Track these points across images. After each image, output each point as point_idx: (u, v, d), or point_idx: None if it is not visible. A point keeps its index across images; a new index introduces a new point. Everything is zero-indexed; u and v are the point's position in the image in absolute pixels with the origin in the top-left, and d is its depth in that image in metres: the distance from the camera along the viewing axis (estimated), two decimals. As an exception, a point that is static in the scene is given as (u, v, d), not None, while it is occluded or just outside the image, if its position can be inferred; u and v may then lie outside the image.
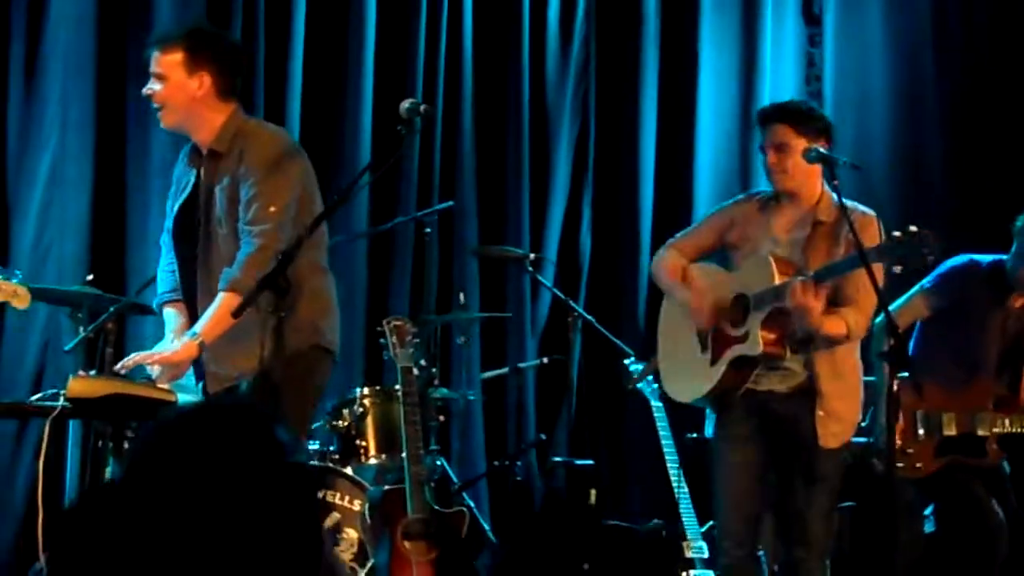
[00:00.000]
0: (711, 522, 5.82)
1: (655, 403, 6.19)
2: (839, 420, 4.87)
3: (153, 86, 4.60)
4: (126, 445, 4.68)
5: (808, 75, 8.19)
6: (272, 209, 4.45)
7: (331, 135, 7.12)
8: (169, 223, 4.75)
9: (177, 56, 4.57)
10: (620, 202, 7.88)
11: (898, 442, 5.39)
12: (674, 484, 6.02)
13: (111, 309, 5.44)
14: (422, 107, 4.35)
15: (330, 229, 4.93)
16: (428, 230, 6.68)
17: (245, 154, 4.54)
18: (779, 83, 8.09)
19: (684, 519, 5.90)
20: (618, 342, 6.57)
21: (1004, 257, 5.68)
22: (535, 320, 7.59)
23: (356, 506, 5.57)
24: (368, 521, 5.44)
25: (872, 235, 4.74)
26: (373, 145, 7.13)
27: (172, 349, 4.52)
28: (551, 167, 7.72)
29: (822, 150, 4.89)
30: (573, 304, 6.61)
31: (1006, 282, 5.66)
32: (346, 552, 5.58)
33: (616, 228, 7.88)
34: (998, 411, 5.59)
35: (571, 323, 6.53)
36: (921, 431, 5.59)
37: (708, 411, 5.19)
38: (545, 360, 7.08)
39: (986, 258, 5.72)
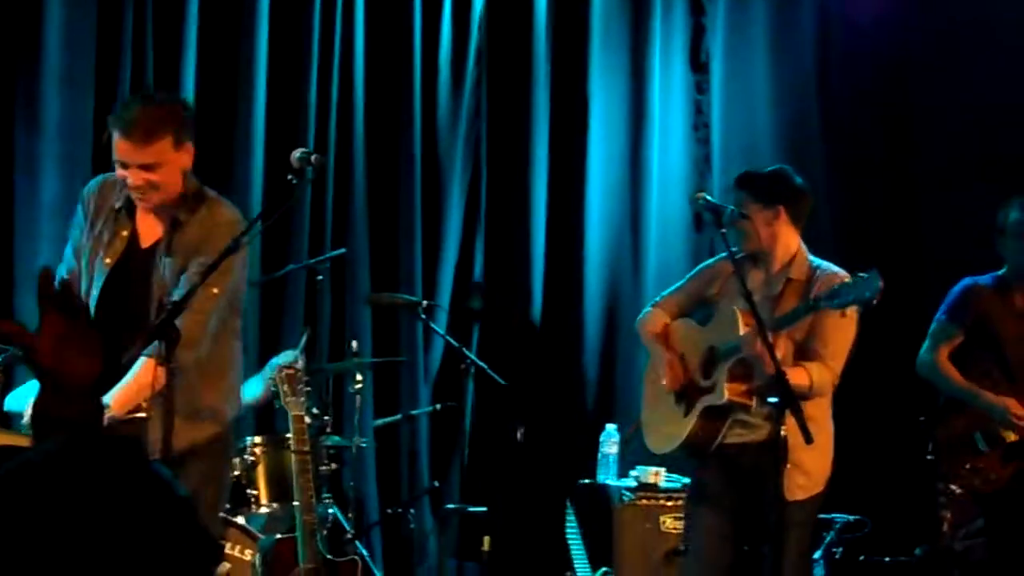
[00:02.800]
0: (603, 568, 5.87)
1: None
2: (805, 473, 4.99)
3: (142, 174, 4.46)
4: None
5: (696, 122, 8.29)
6: (215, 291, 4.42)
7: (222, 183, 6.99)
8: (99, 278, 4.58)
9: (166, 143, 4.46)
10: (512, 248, 7.92)
11: (965, 467, 5.59)
12: (567, 531, 6.03)
13: (-1, 358, 5.37)
14: (313, 156, 4.36)
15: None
16: (320, 277, 6.67)
17: (208, 241, 4.47)
18: (668, 129, 8.19)
19: (577, 566, 5.92)
20: (509, 387, 6.59)
21: (999, 272, 5.91)
22: (428, 367, 7.59)
23: (247, 556, 5.52)
24: (259, 571, 5.39)
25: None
26: (264, 193, 7.10)
27: None
28: (443, 214, 7.74)
29: (708, 198, 5.06)
30: (466, 351, 6.62)
31: (1007, 285, 5.88)
32: (237, 603, 5.53)
33: (508, 274, 7.91)
34: None
35: (464, 370, 6.54)
36: (984, 447, 5.73)
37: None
38: (438, 407, 7.07)
39: (982, 277, 5.95)
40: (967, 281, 5.96)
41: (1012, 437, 5.73)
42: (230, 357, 4.69)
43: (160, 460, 4.07)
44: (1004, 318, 5.86)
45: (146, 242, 4.60)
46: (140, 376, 4.37)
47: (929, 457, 5.82)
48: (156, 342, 4.26)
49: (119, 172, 4.52)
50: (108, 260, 4.59)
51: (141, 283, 4.54)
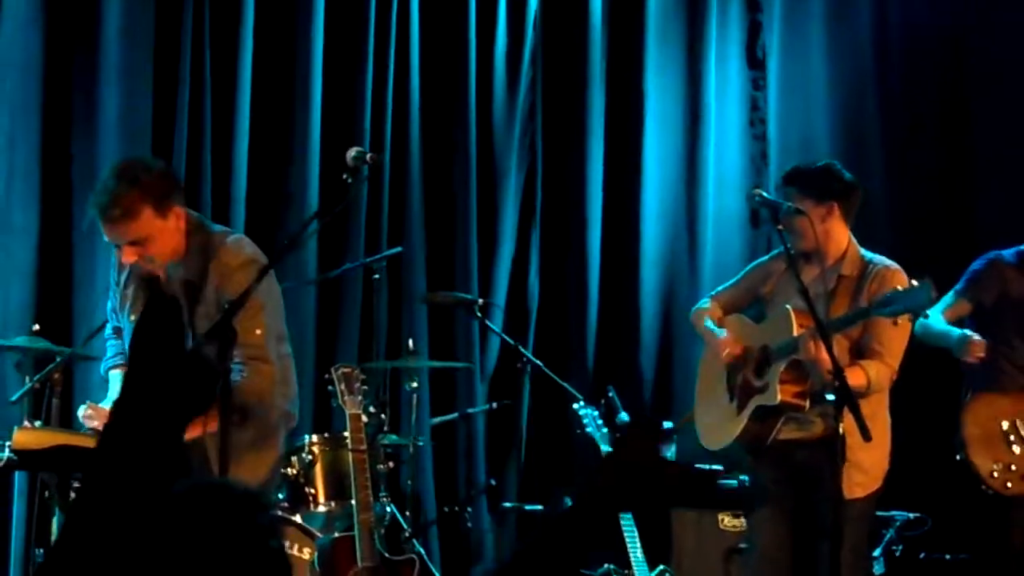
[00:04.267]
0: (661, 566, 5.86)
1: (604, 447, 6.20)
2: (863, 471, 4.97)
3: (135, 249, 4.46)
4: (72, 496, 4.63)
5: (752, 118, 8.26)
6: (258, 332, 4.44)
7: (279, 183, 7.11)
8: (128, 333, 4.63)
9: (147, 213, 4.42)
10: (568, 247, 7.91)
11: (995, 467, 5.50)
12: (624, 529, 6.02)
13: (57, 359, 5.42)
14: (368, 155, 4.36)
15: (279, 276, 4.92)
16: (377, 276, 6.68)
17: (223, 287, 4.48)
18: (723, 126, 8.17)
19: (635, 564, 5.90)
20: (567, 386, 6.58)
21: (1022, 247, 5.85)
22: (484, 366, 7.59)
23: (306, 554, 5.53)
24: (318, 570, 5.41)
25: (897, 286, 4.83)
26: (321, 193, 7.12)
27: None
28: (499, 213, 7.74)
29: (765, 194, 5.05)
30: (522, 349, 6.62)
31: None
32: (296, 601, 5.55)
33: (564, 273, 7.91)
34: None
35: (520, 368, 6.54)
36: (1015, 446, 5.64)
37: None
38: (494, 405, 7.08)
39: (1008, 249, 5.88)
40: (992, 255, 5.89)
41: None
42: (280, 378, 4.69)
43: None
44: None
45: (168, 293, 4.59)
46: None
47: (958, 457, 5.71)
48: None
49: (116, 251, 4.55)
50: (134, 316, 4.64)
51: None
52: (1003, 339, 5.74)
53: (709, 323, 5.34)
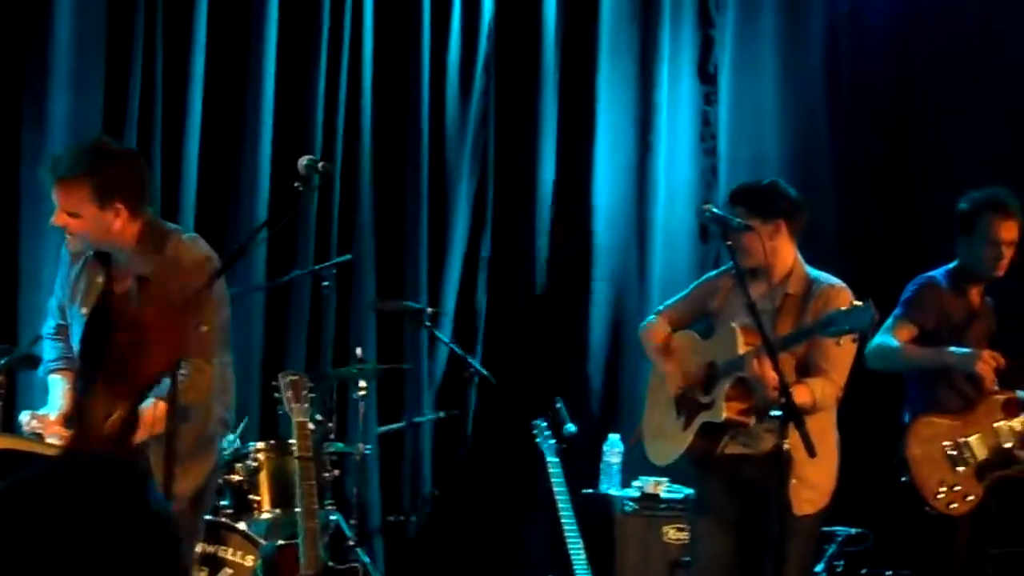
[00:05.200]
0: (605, 578, 5.88)
1: (551, 459, 6.21)
2: (812, 487, 5.00)
3: (65, 218, 4.42)
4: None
5: (703, 133, 8.30)
6: (204, 328, 4.39)
7: (228, 189, 7.08)
8: (78, 326, 4.59)
9: (84, 192, 4.37)
10: (518, 257, 7.92)
11: (941, 488, 5.53)
12: (569, 540, 6.04)
13: (1, 361, 5.38)
14: (320, 164, 4.36)
15: (227, 281, 4.90)
16: (326, 283, 6.67)
17: (182, 284, 4.40)
18: (675, 140, 8.20)
19: (578, 574, 5.91)
20: (515, 397, 6.59)
21: (950, 266, 5.86)
22: (432, 374, 7.59)
23: (248, 562, 5.52)
24: (261, 577, 5.39)
25: (841, 305, 4.83)
26: (271, 198, 7.10)
27: None
28: (449, 221, 7.73)
29: (715, 210, 5.07)
30: (470, 359, 6.62)
31: (963, 280, 5.82)
32: (238, 608, 5.53)
33: (514, 283, 7.91)
34: (1008, 416, 5.70)
35: (468, 378, 6.55)
36: (959, 467, 5.66)
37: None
38: (442, 414, 7.08)
39: (936, 271, 5.89)
40: (924, 279, 5.89)
41: (985, 453, 5.69)
42: (219, 379, 4.68)
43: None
44: (962, 316, 5.81)
45: (119, 289, 4.57)
46: (148, 412, 4.37)
47: (903, 480, 5.75)
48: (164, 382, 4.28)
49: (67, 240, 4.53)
50: (84, 310, 4.59)
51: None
52: (932, 376, 5.79)
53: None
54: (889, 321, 5.81)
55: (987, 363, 5.63)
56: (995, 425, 5.67)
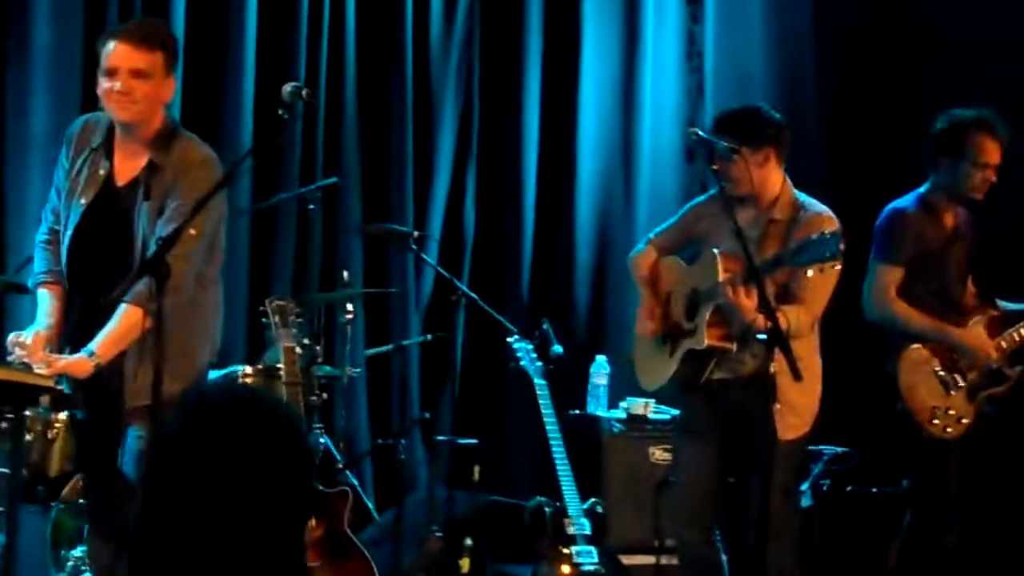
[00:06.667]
0: (593, 499, 5.92)
1: (538, 380, 6.22)
2: (795, 412, 5.02)
3: (131, 80, 4.47)
4: (2, 427, 4.60)
5: (689, 52, 8.26)
6: (193, 232, 4.38)
7: (213, 116, 7.00)
8: (75, 217, 4.58)
9: (159, 57, 4.51)
10: (504, 180, 7.90)
11: (933, 410, 5.56)
12: (556, 461, 6.07)
13: (-12, 288, 5.38)
14: (304, 91, 4.37)
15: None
16: (312, 207, 6.62)
17: (181, 180, 4.49)
18: (660, 58, 8.16)
19: (566, 496, 5.96)
20: (502, 319, 6.60)
21: (920, 190, 5.77)
22: (419, 298, 7.59)
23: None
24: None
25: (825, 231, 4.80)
26: (255, 126, 7.05)
27: (67, 360, 4.43)
28: (435, 144, 7.70)
29: (701, 133, 5.06)
30: (457, 282, 6.62)
31: (938, 203, 5.74)
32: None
33: (500, 205, 7.90)
34: (992, 333, 5.71)
35: (455, 301, 6.54)
36: (951, 391, 5.68)
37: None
38: (429, 337, 7.09)
39: (904, 200, 5.78)
40: (893, 210, 5.78)
41: (974, 375, 5.71)
42: (209, 301, 4.68)
43: (151, 407, 4.09)
44: (939, 242, 5.74)
45: (122, 180, 4.59)
46: (124, 321, 4.38)
47: (899, 407, 5.75)
48: (137, 287, 4.28)
49: (104, 84, 4.52)
50: (83, 200, 4.59)
51: (118, 222, 4.53)
52: (926, 288, 5.75)
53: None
54: (873, 266, 5.74)
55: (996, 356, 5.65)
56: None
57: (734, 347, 5.02)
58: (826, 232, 4.60)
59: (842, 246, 4.52)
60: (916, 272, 5.71)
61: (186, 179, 4.48)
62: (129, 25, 4.66)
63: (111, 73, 4.49)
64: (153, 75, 4.50)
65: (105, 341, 4.40)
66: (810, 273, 4.72)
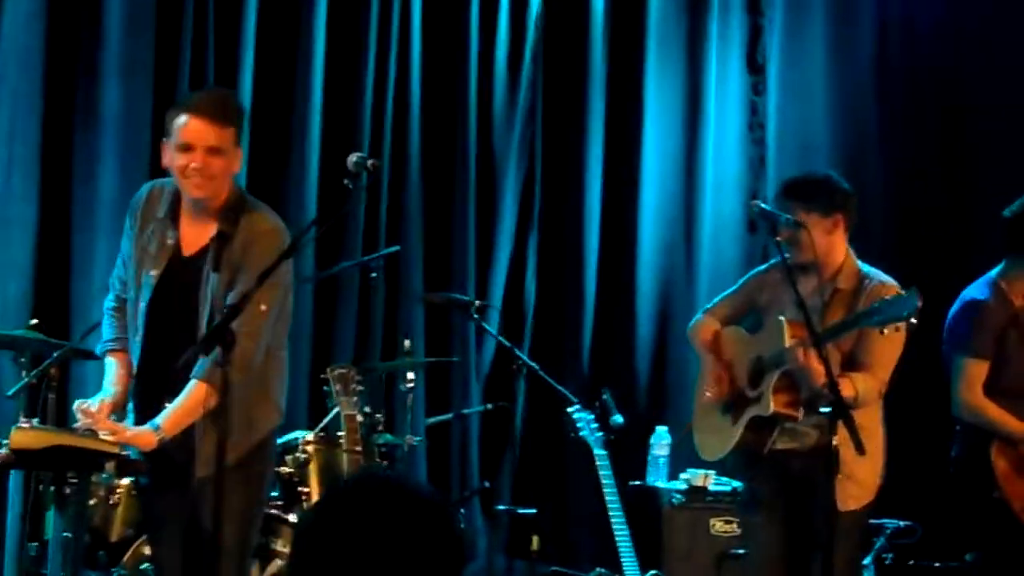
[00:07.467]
0: (652, 571, 5.89)
1: (598, 451, 6.20)
2: (858, 483, 4.98)
3: (206, 157, 4.45)
4: (67, 492, 4.63)
5: (751, 123, 8.27)
6: (263, 308, 4.39)
7: (278, 186, 7.07)
8: (147, 290, 4.56)
9: (232, 132, 4.50)
10: (565, 249, 7.92)
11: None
12: (616, 532, 6.04)
13: (55, 354, 5.41)
14: (369, 162, 4.35)
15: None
16: (374, 275, 6.67)
17: (250, 250, 4.47)
18: (723, 130, 8.18)
19: (626, 568, 5.92)
20: (562, 390, 6.59)
21: (992, 275, 5.56)
22: (480, 366, 7.61)
23: (299, 554, 5.53)
24: (311, 570, 5.41)
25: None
26: (319, 195, 7.12)
27: (133, 432, 4.44)
28: (497, 213, 7.75)
29: (763, 206, 5.06)
30: (518, 351, 6.62)
31: (1007, 294, 5.50)
32: (289, 601, 5.56)
33: (561, 275, 7.92)
34: None
35: (516, 370, 6.54)
36: None
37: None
38: (489, 406, 7.09)
39: (975, 290, 5.56)
40: (970, 300, 5.54)
41: None
42: (275, 369, 4.68)
43: (213, 476, 4.10)
44: (1009, 331, 5.49)
45: (189, 250, 4.58)
46: (192, 397, 4.37)
47: (995, 495, 5.46)
48: (205, 363, 4.29)
49: (178, 160, 4.47)
50: (154, 272, 4.56)
51: (188, 292, 4.53)
52: (995, 397, 5.54)
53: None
54: (963, 364, 5.51)
55: None
56: None
57: (800, 414, 4.98)
58: (903, 292, 4.58)
59: (919, 303, 4.49)
60: (998, 362, 5.50)
61: (254, 249, 4.47)
62: (202, 98, 4.63)
63: (185, 148, 4.46)
64: (227, 151, 4.49)
65: (171, 416, 4.40)
66: (885, 332, 4.68)
